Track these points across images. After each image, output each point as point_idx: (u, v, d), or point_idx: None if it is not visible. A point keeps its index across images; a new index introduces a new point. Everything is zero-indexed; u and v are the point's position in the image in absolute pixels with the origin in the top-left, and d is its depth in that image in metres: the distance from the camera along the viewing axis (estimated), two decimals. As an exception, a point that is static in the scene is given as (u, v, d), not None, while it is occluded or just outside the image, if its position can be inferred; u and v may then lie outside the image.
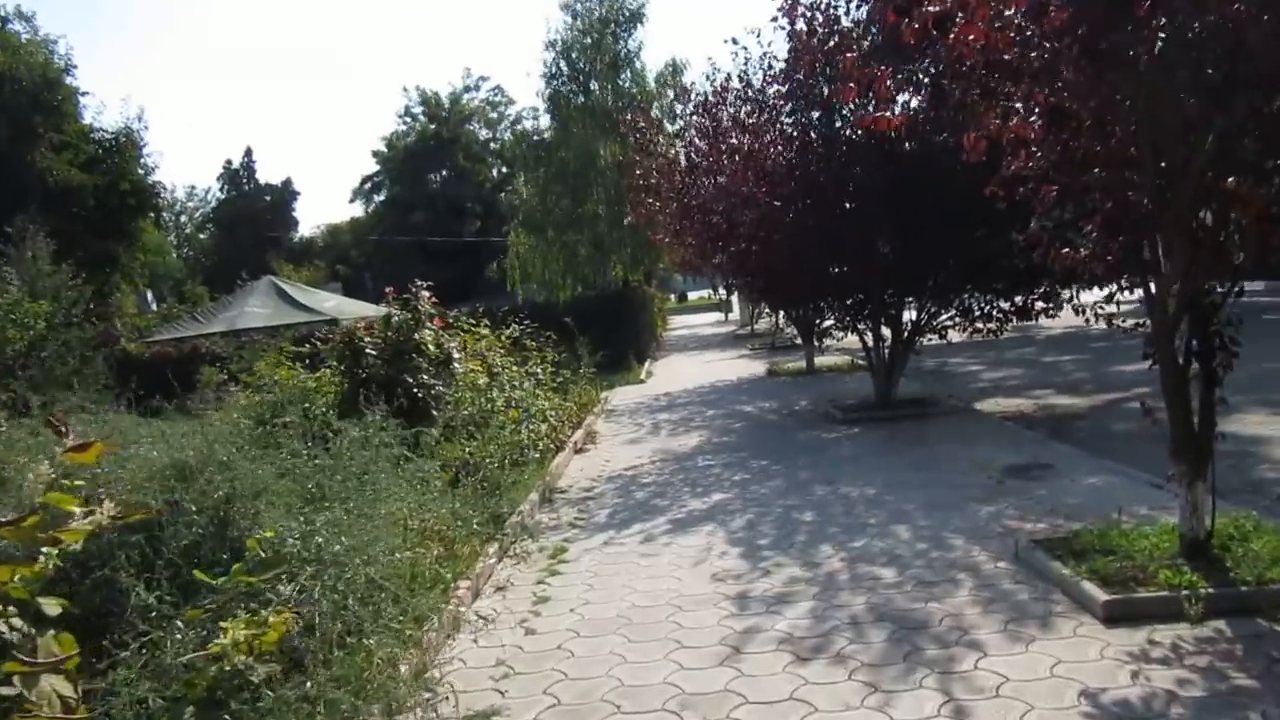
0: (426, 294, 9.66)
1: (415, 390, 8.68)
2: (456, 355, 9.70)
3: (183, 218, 77.80)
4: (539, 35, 71.35)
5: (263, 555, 4.01)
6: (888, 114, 6.66)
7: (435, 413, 8.79)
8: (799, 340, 24.07)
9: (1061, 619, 5.05)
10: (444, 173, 62.21)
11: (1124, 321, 6.27)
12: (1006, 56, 5.06)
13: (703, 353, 29.83)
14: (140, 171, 27.51)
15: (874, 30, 11.39)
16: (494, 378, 11.16)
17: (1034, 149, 5.79)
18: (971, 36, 5.07)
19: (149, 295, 54.14)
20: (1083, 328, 14.58)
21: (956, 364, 19.11)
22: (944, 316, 13.32)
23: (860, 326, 13.36)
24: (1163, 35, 4.68)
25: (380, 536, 5.09)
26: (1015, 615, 5.15)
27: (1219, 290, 5.62)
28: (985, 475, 8.72)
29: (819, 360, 20.13)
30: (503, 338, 12.61)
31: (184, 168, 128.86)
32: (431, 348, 9.20)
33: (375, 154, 65.34)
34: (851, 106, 11.59)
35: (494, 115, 64.62)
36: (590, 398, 15.82)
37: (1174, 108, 4.82)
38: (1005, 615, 5.16)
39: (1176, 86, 4.71)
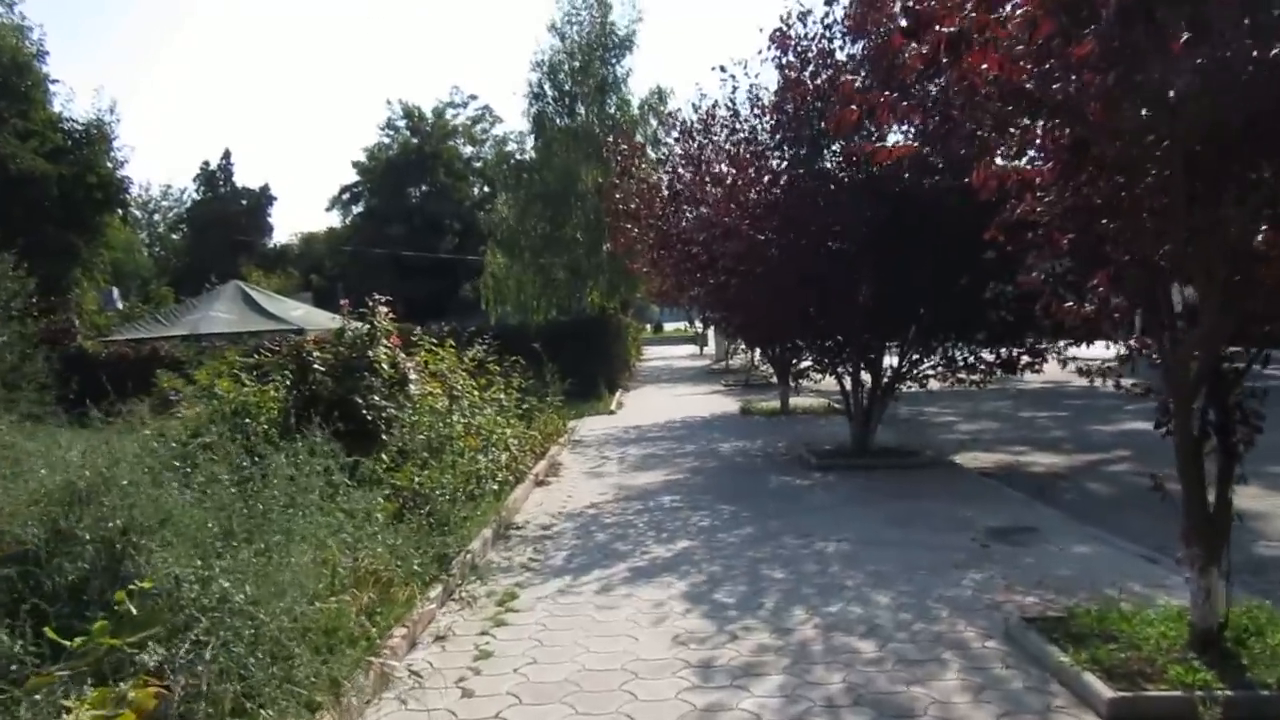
0: (384, 308, 9.05)
1: (365, 411, 8.05)
2: (414, 376, 9.08)
3: (156, 216, 76.74)
4: (527, 56, 71.28)
5: (133, 611, 3.39)
6: (888, 144, 6.14)
7: (385, 436, 8.16)
8: (774, 379, 23.65)
9: (1062, 715, 4.50)
10: (424, 188, 61.59)
11: (1133, 386, 5.77)
12: (1028, 85, 4.56)
13: (675, 385, 29.32)
14: (109, 165, 26.65)
15: (865, 68, 10.99)
16: (454, 401, 10.54)
17: (1041, 193, 5.32)
18: (985, 65, 4.59)
19: (114, 293, 52.99)
20: (1060, 383, 14.24)
21: (932, 413, 18.70)
22: (926, 365, 12.87)
23: (839, 369, 12.88)
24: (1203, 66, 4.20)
25: (301, 579, 4.48)
26: (1010, 709, 4.60)
27: (1243, 357, 5.15)
28: (968, 536, 8.21)
29: (794, 401, 19.64)
30: (466, 359, 11.99)
31: (160, 166, 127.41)
32: (386, 366, 8.57)
33: (355, 164, 64.69)
34: (841, 142, 11.19)
35: (479, 132, 64.23)
36: (556, 427, 15.23)
37: (1216, 151, 4.35)
38: (999, 708, 4.61)
39: (1221, 128, 4.23)
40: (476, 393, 11.59)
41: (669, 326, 78.48)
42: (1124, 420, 16.31)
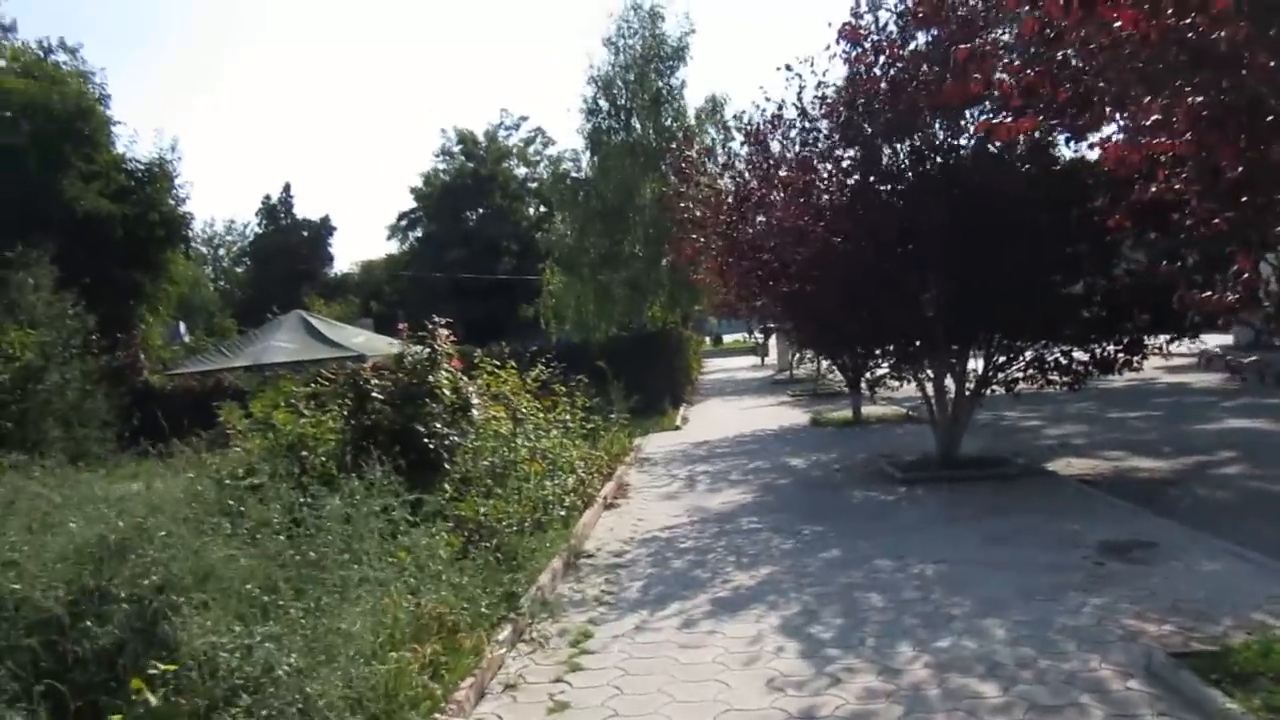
0: (445, 330, 8.64)
1: (426, 440, 7.63)
2: (475, 400, 8.65)
3: (220, 251, 78.31)
4: (577, 74, 71.33)
5: (152, 701, 2.94)
6: (1010, 120, 5.47)
7: (448, 465, 7.73)
8: (845, 388, 22.91)
9: (1239, 776, 3.86)
10: (481, 210, 61.72)
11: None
12: (1190, 36, 3.93)
13: (740, 398, 28.65)
14: (171, 202, 26.92)
15: (937, 58, 10.35)
16: (518, 425, 10.11)
17: (1178, 169, 4.68)
18: (1118, 22, 3.98)
19: (181, 327, 53.97)
20: (1146, 381, 13.33)
21: (1014, 418, 17.79)
22: (1014, 367, 12.10)
23: (920, 375, 12.18)
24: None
25: (357, 636, 4.01)
26: (1175, 768, 3.96)
27: None
28: (1079, 554, 7.51)
29: (866, 410, 18.92)
30: (529, 380, 11.56)
31: (223, 201, 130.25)
32: (448, 392, 8.15)
33: (413, 190, 65.05)
34: (919, 134, 10.58)
35: (531, 154, 64.28)
36: (623, 446, 14.73)
37: None
38: (1161, 767, 3.97)
39: None
40: (541, 415, 11.15)
41: (728, 338, 77.69)
42: (1222, 418, 15.34)
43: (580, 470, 11.33)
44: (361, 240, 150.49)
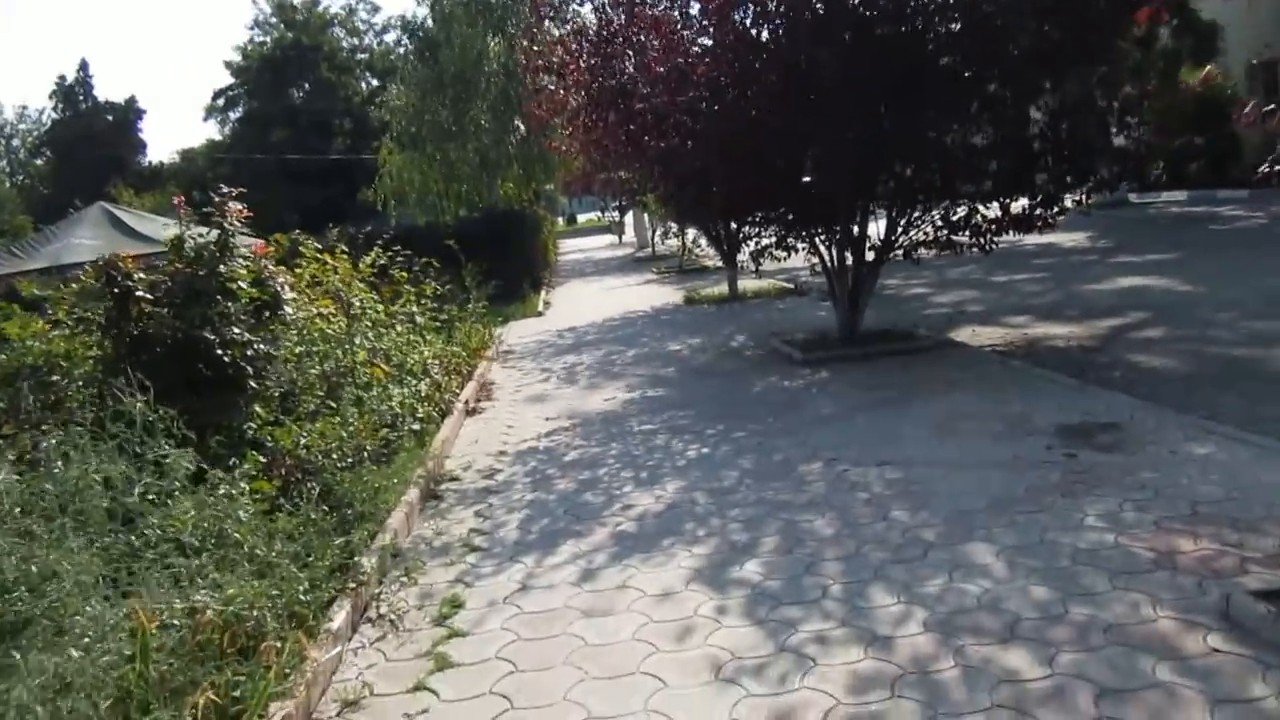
0: (236, 205, 6.56)
1: (220, 351, 5.68)
2: (291, 295, 6.67)
3: (14, 142, 70.36)
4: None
5: None
6: None
7: (255, 383, 5.82)
8: (717, 263, 21.68)
9: None
10: (307, 86, 56.67)
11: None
12: None
13: (602, 278, 27.01)
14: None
15: None
16: (354, 322, 8.19)
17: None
18: None
19: (-30, 227, 48.04)
20: (1013, 244, 12.34)
21: (896, 286, 16.75)
22: (916, 230, 10.80)
23: (815, 243, 10.76)
24: None
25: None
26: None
27: None
28: (1039, 443, 6.31)
29: (742, 284, 17.61)
30: (363, 268, 9.55)
31: (11, 85, 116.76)
32: (247, 285, 6.15)
33: (228, 65, 59.14)
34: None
35: (359, 23, 59.23)
36: (482, 338, 12.94)
37: None
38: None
39: None
40: (381, 307, 9.22)
41: (581, 218, 75.64)
42: (1114, 277, 14.65)
43: (435, 372, 9.55)
44: (178, 126, 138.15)
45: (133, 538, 3.70)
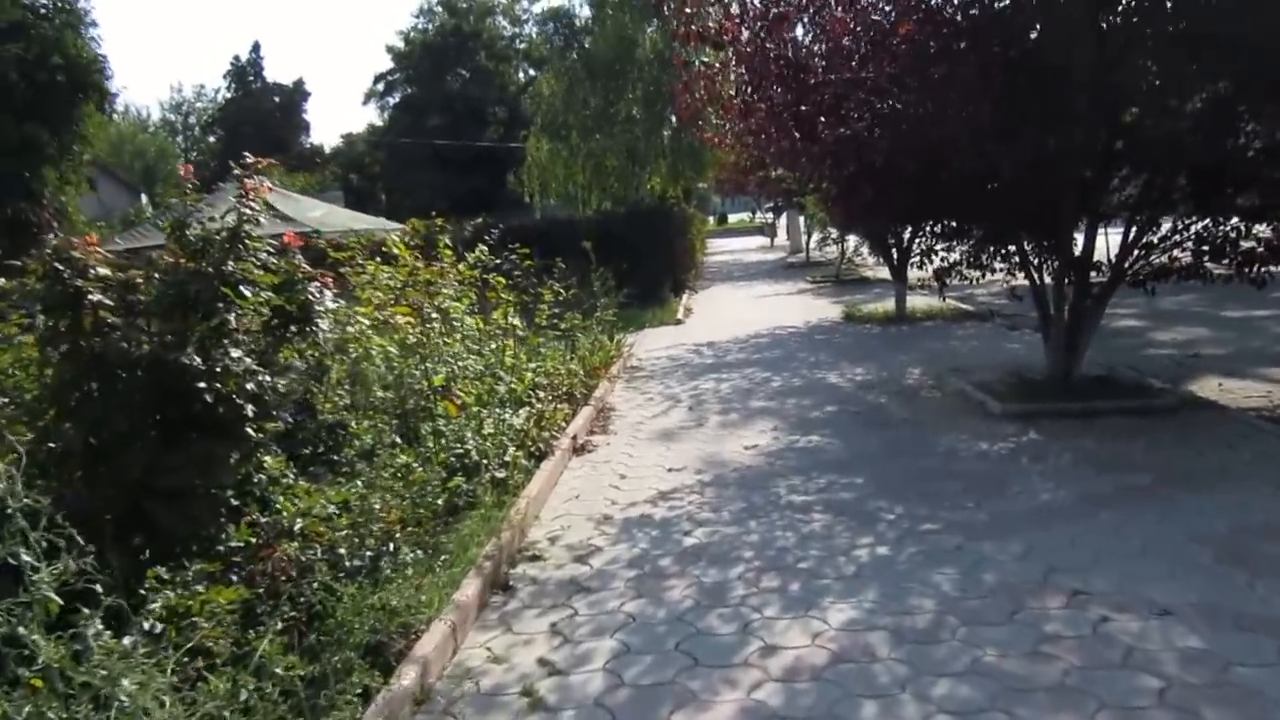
0: (261, 181, 4.93)
1: (205, 384, 3.97)
2: (330, 304, 4.96)
3: (190, 119, 73.46)
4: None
5: None
6: None
7: (250, 429, 4.11)
8: (879, 273, 19.38)
9: None
10: (464, 73, 56.55)
11: None
12: None
13: (751, 284, 24.92)
14: (80, 46, 22.39)
15: None
16: (426, 337, 6.48)
17: None
18: None
19: (144, 199, 49.78)
20: None
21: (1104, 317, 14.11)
22: (1161, 247, 8.37)
23: (1034, 261, 8.48)
24: None
25: None
26: None
27: None
28: None
29: (911, 302, 15.27)
30: (464, 269, 7.85)
31: (191, 65, 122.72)
32: (261, 291, 4.45)
33: (390, 50, 59.66)
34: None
35: (520, 11, 58.70)
36: (606, 354, 11.13)
37: None
38: None
39: None
40: (472, 320, 7.48)
41: (732, 218, 73.38)
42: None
43: (540, 399, 7.77)
44: (341, 109, 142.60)
45: None
